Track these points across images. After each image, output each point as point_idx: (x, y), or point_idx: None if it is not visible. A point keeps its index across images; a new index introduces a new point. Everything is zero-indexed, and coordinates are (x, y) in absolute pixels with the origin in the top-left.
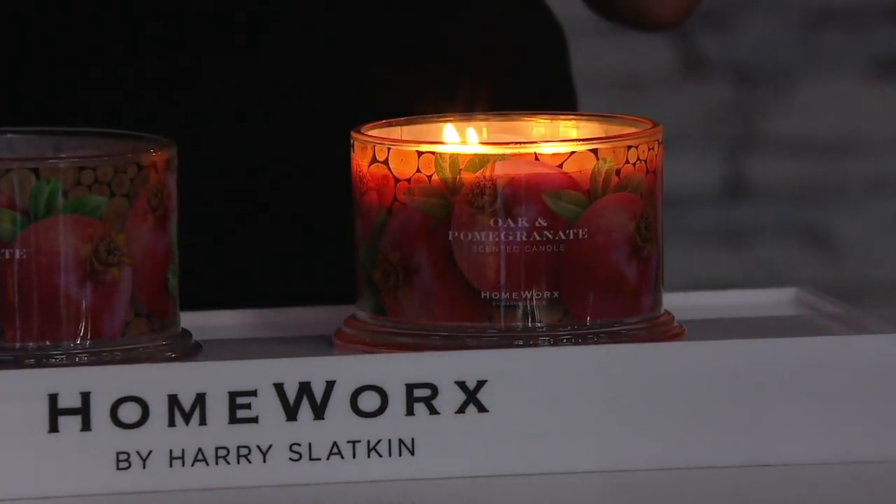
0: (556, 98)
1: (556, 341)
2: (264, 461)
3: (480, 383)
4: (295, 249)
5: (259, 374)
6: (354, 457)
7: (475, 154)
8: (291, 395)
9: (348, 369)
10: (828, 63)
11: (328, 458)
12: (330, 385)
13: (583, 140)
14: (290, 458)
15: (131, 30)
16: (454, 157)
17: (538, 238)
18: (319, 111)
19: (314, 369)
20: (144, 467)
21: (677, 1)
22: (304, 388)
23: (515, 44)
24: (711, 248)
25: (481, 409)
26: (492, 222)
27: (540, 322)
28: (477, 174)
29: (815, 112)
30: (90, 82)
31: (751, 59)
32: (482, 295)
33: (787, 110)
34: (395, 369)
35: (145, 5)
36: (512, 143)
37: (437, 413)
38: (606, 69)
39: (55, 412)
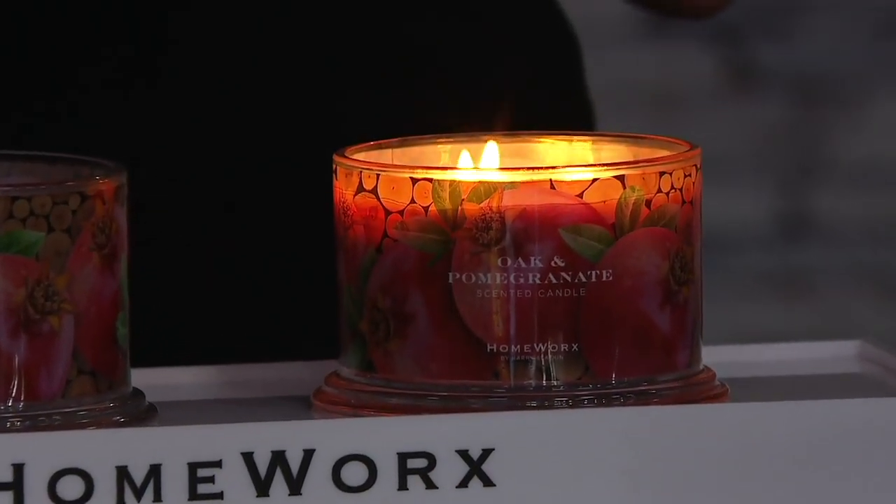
0: (570, 117)
1: (575, 402)
2: None
3: (486, 452)
4: (266, 295)
5: (224, 441)
6: None
7: (480, 181)
8: (262, 466)
9: (330, 436)
10: None
11: None
12: (308, 454)
13: (607, 165)
14: None
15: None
16: (455, 185)
17: (554, 281)
18: (297, 133)
19: (289, 436)
20: None
21: None
22: (278, 458)
23: (522, 55)
24: (761, 296)
25: (487, 482)
26: (499, 262)
27: (556, 380)
28: (482, 205)
29: (890, 135)
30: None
31: (813, 70)
32: (488, 348)
33: (857, 132)
34: (385, 436)
35: (108, 39)
36: (523, 168)
37: (435, 487)
38: (638, 82)
39: None
